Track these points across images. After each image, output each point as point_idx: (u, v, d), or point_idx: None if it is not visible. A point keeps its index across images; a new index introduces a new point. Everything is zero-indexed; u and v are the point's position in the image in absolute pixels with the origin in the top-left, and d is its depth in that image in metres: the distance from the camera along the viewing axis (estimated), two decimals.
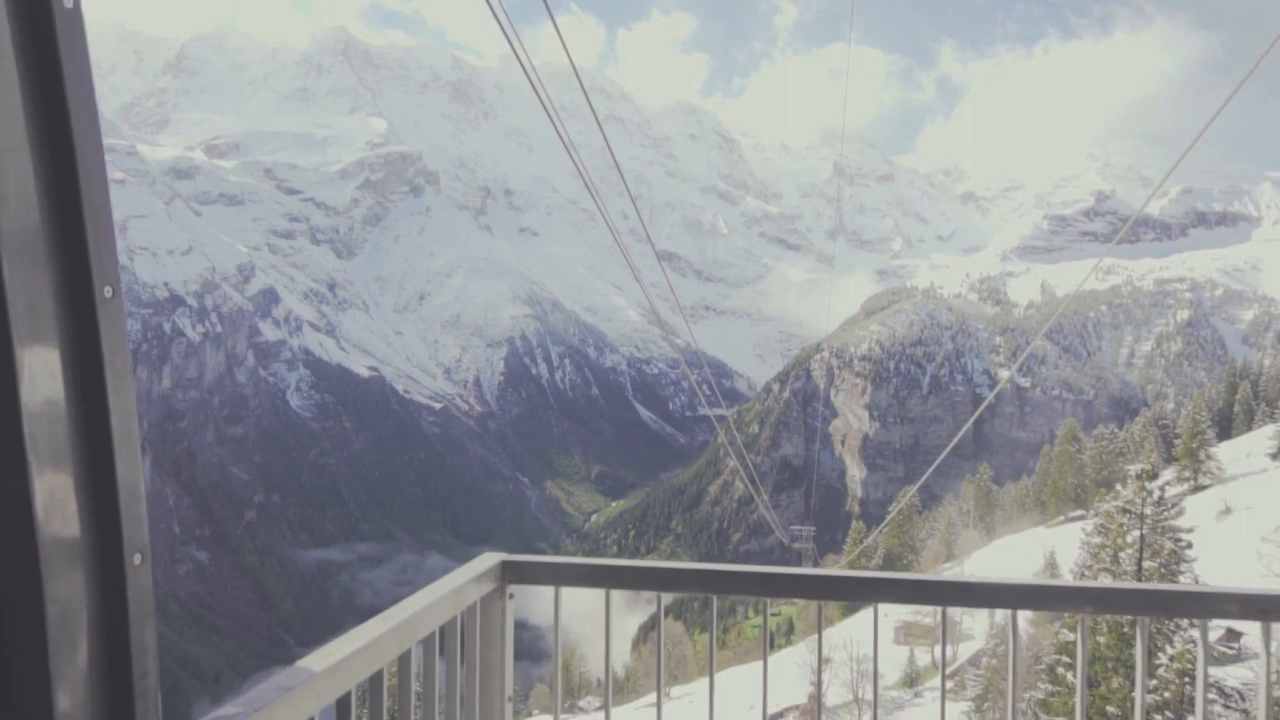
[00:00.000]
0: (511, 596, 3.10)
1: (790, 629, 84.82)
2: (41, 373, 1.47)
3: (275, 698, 1.87)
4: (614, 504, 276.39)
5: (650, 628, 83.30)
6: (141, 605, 1.65)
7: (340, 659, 2.08)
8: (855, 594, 3.37)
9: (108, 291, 1.58)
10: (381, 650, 2.25)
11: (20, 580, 1.45)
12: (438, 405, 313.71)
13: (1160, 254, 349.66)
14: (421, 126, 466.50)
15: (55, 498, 1.50)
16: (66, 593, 1.50)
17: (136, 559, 1.63)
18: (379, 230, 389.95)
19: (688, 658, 63.66)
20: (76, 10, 1.51)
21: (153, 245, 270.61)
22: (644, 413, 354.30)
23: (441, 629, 2.63)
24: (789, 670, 43.57)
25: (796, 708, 42.85)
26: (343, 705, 2.09)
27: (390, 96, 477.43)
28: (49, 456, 1.48)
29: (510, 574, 3.09)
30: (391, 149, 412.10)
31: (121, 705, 1.59)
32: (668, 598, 3.18)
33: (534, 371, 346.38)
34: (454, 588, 2.73)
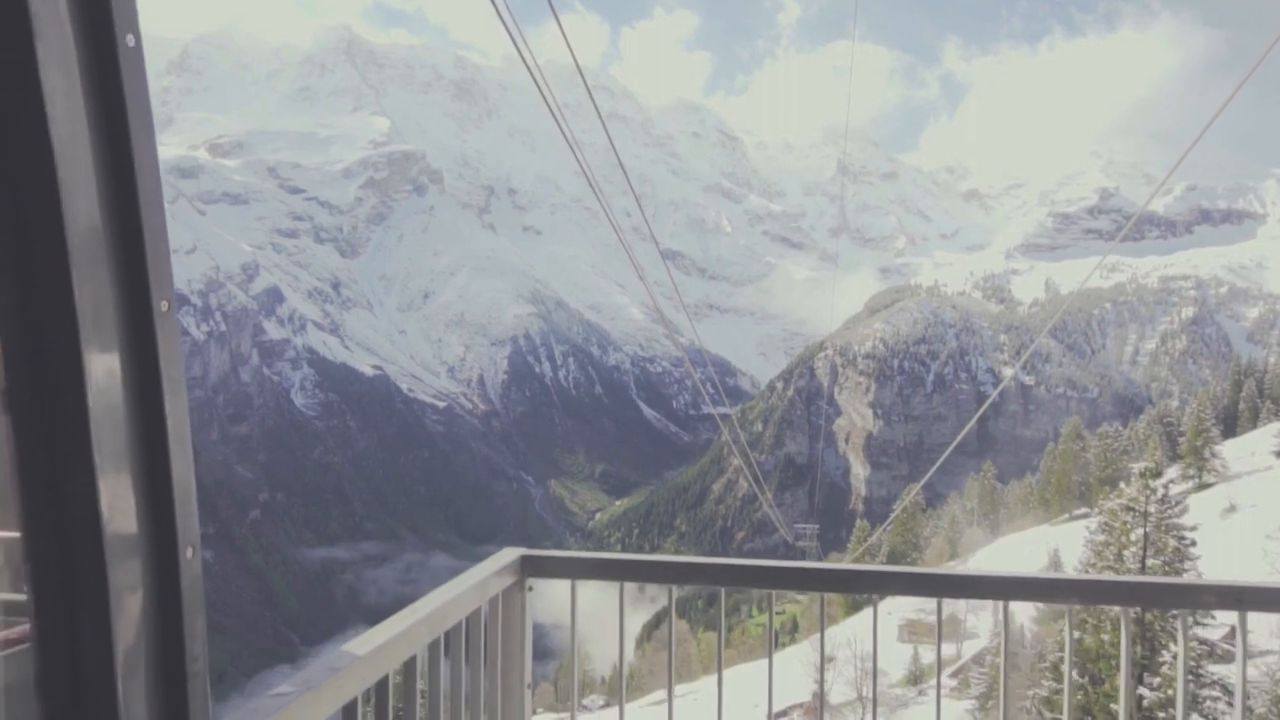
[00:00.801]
0: (530, 589, 3.25)
1: (794, 627, 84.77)
2: (104, 380, 1.63)
3: (325, 678, 2.03)
4: (618, 502, 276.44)
5: (655, 626, 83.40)
6: (193, 595, 1.80)
7: (380, 644, 2.23)
8: (856, 586, 3.53)
9: (164, 305, 1.75)
10: (415, 637, 2.40)
11: (87, 571, 1.62)
12: (442, 404, 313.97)
13: (1165, 251, 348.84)
14: (425, 125, 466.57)
15: (117, 495, 1.66)
16: (126, 582, 1.66)
17: (189, 552, 1.80)
18: (383, 229, 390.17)
19: (692, 656, 63.68)
20: (138, 48, 1.68)
21: None
22: (648, 411, 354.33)
23: (467, 619, 2.76)
24: (793, 668, 43.55)
25: (800, 706, 42.88)
26: (381, 687, 2.21)
27: (394, 95, 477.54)
28: (111, 457, 1.64)
29: (529, 568, 3.23)
30: (395, 148, 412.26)
31: (175, 686, 1.74)
32: (678, 591, 3.30)
33: (538, 370, 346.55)
34: (478, 580, 2.87)
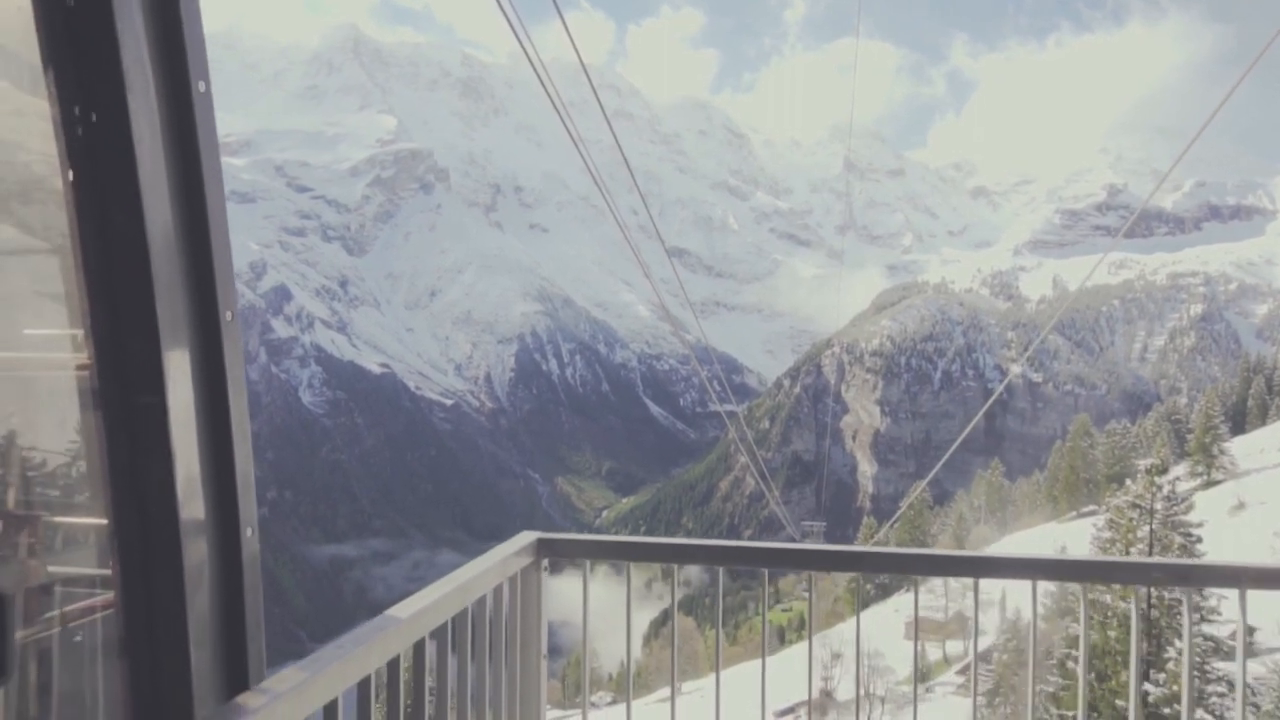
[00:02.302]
0: (546, 569, 3.49)
1: (800, 624, 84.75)
2: (179, 380, 1.97)
3: (373, 636, 2.25)
4: (625, 500, 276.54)
5: (662, 624, 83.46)
6: (252, 568, 2.15)
7: (417, 610, 2.45)
8: (838, 565, 3.76)
9: (228, 315, 2.12)
10: (447, 606, 2.63)
11: (163, 548, 1.96)
12: (449, 402, 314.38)
13: (1173, 248, 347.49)
14: (431, 124, 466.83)
15: (189, 483, 2.00)
16: (196, 559, 2.00)
17: (249, 531, 2.16)
18: (390, 227, 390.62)
19: (698, 653, 63.67)
20: (208, 94, 2.06)
21: None
22: (654, 409, 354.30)
23: (491, 592, 3.00)
24: (799, 666, 43.55)
25: (807, 703, 42.91)
26: (419, 648, 2.45)
27: (400, 94, 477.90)
28: (184, 448, 1.98)
29: (544, 549, 3.47)
30: (402, 146, 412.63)
31: (237, 648, 2.09)
32: (686, 584, 3.51)
33: (544, 368, 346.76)
34: (499, 559, 3.11)
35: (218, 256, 2.09)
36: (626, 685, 4.07)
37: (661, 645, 66.00)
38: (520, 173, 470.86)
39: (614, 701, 52.17)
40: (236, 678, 2.10)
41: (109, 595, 1.97)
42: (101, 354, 1.95)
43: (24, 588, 1.79)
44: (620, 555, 3.73)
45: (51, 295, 1.90)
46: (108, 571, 1.98)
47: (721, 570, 3.84)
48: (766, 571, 3.76)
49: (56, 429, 2.03)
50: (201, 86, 2.06)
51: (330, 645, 2.15)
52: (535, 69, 6.19)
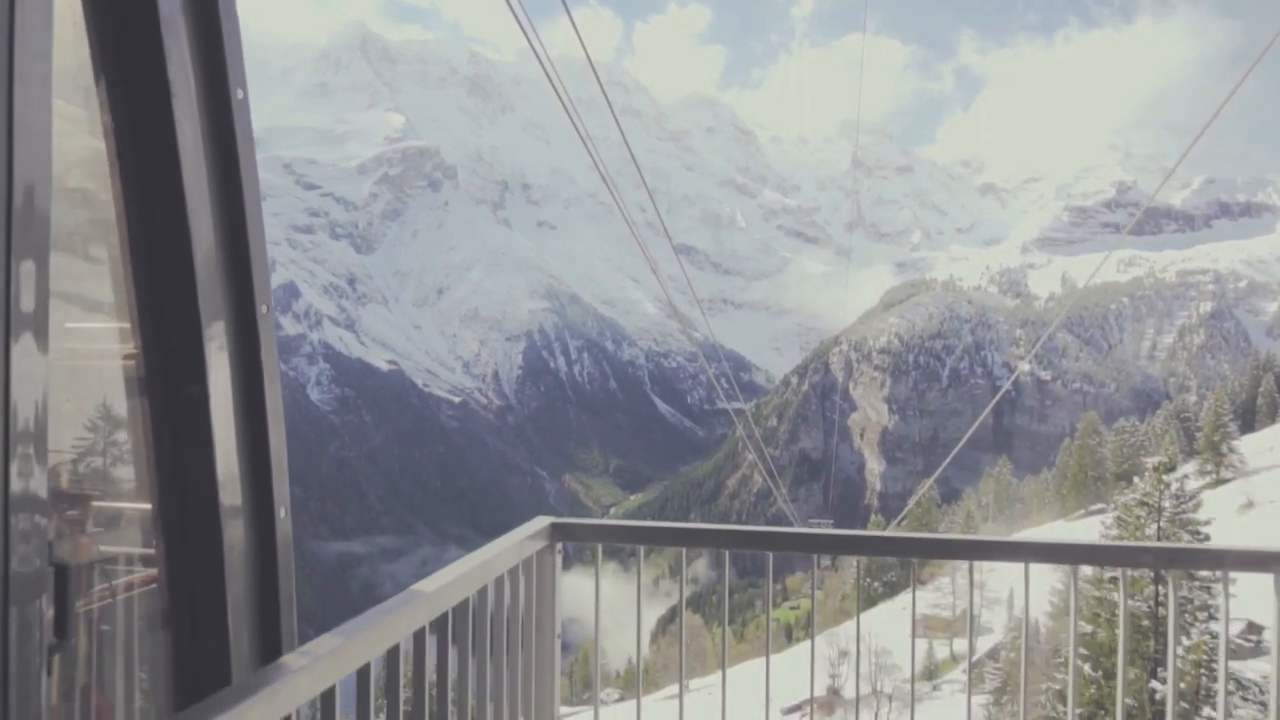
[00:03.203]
0: (559, 551, 3.61)
1: (807, 622, 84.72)
2: (219, 370, 2.10)
3: (401, 607, 2.37)
4: (632, 497, 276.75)
5: (669, 620, 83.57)
6: (285, 548, 2.30)
7: (442, 585, 2.57)
8: (842, 548, 3.93)
9: (264, 309, 2.25)
10: (469, 583, 2.75)
11: (204, 528, 2.09)
12: (456, 399, 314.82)
13: (1183, 245, 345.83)
14: (439, 121, 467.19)
15: (228, 465, 2.13)
16: (235, 536, 2.13)
17: (282, 512, 2.32)
18: (398, 225, 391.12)
19: (706, 650, 63.77)
20: (245, 100, 2.20)
21: None
22: (662, 406, 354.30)
23: (508, 572, 3.10)
24: (807, 663, 43.53)
25: (815, 700, 42.89)
26: (440, 621, 2.55)
27: (408, 91, 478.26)
28: (224, 434, 2.11)
29: (558, 533, 3.60)
30: (410, 144, 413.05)
31: (271, 622, 2.23)
32: (697, 573, 3.64)
33: (552, 365, 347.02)
34: (516, 542, 3.23)
35: (254, 253, 2.21)
36: (637, 669, 4.25)
37: (669, 642, 66.04)
38: (528, 170, 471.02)
39: (621, 698, 52.20)
40: (270, 649, 2.22)
41: (152, 572, 2.08)
42: (147, 345, 2.06)
43: (76, 562, 1.88)
44: (632, 539, 3.89)
45: (93, 290, 1.96)
46: (150, 551, 2.10)
47: (728, 555, 3.90)
48: (771, 555, 3.84)
49: (104, 416, 2.11)
50: (240, 93, 2.20)
51: (362, 616, 2.22)
52: (544, 66, 6.22)
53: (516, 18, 5.52)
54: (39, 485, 1.59)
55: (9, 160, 1.53)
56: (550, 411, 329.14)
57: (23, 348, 1.55)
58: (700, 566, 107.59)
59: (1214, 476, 66.39)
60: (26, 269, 1.56)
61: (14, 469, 1.53)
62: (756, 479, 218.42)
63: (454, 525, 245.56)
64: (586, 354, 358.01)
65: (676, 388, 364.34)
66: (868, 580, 68.28)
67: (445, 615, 2.58)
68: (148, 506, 2.10)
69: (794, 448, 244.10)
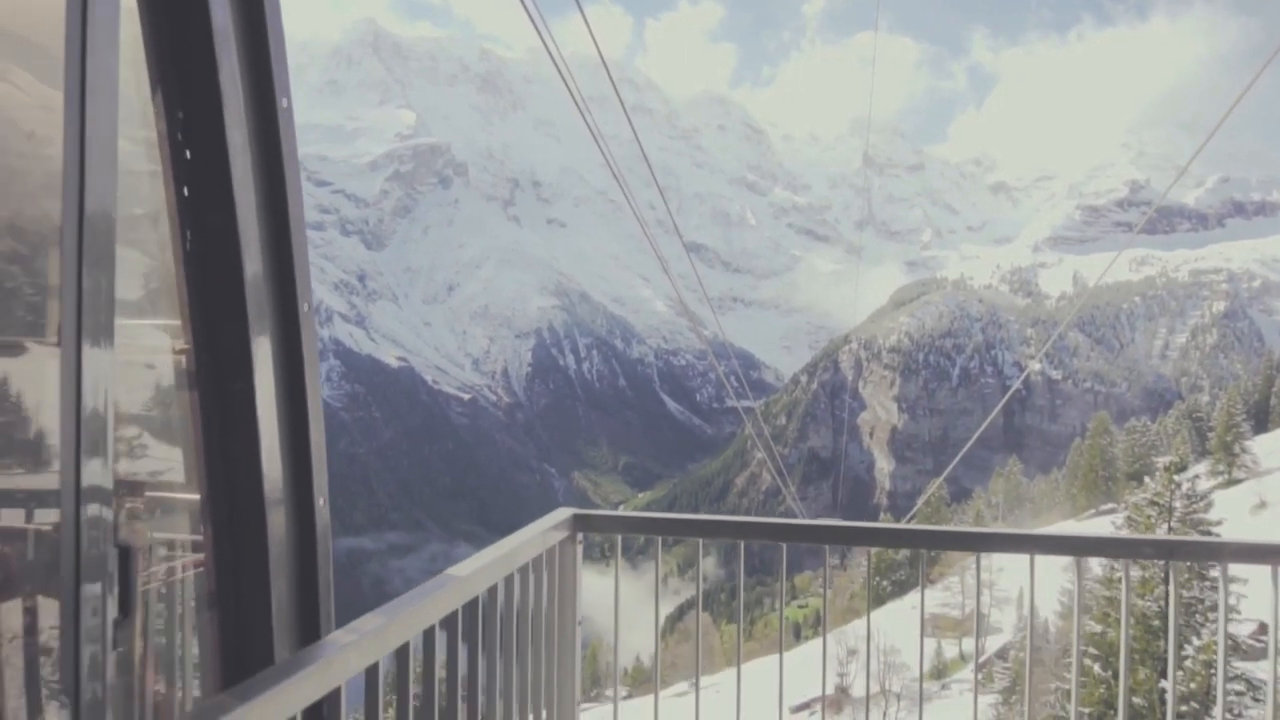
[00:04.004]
0: (580, 542, 3.72)
1: (816, 620, 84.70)
2: (264, 365, 2.23)
3: (434, 590, 2.46)
4: (641, 495, 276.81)
5: (677, 618, 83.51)
6: (324, 535, 2.42)
7: (471, 571, 2.67)
8: (854, 540, 4.03)
9: (305, 307, 2.37)
10: (496, 570, 2.84)
11: (251, 514, 2.22)
12: (466, 396, 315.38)
13: (1196, 244, 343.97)
14: (450, 118, 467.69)
15: (272, 455, 2.25)
16: (279, 523, 2.26)
17: (320, 501, 2.41)
18: (408, 222, 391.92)
19: (715, 648, 63.78)
20: (289, 108, 2.34)
21: None
22: (671, 404, 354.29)
23: (531, 562, 3.18)
24: (816, 662, 43.55)
25: (822, 699, 42.89)
26: (470, 607, 2.63)
27: (419, 88, 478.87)
28: (268, 426, 2.23)
29: (579, 524, 3.71)
30: (420, 141, 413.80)
31: (310, 601, 2.36)
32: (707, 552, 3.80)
33: (561, 362, 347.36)
34: (538, 532, 3.30)
35: (297, 255, 2.34)
36: (655, 663, 4.39)
37: (677, 640, 66.05)
38: (538, 167, 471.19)
39: (629, 695, 52.30)
40: (309, 630, 2.35)
41: (200, 556, 2.21)
42: (198, 342, 2.17)
43: (135, 546, 1.96)
44: (651, 530, 4.05)
45: (123, 289, 1.96)
46: (198, 537, 2.23)
47: (744, 547, 4.04)
48: (785, 545, 3.97)
49: (158, 408, 2.23)
50: (284, 102, 2.32)
51: (401, 598, 2.32)
52: (556, 63, 6.23)
53: (530, 15, 5.53)
54: (105, 475, 1.71)
55: (80, 175, 1.64)
56: (559, 409, 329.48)
57: (93, 349, 1.67)
58: (709, 565, 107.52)
59: (1226, 477, 66.07)
60: (95, 275, 1.67)
61: (85, 460, 1.65)
62: (765, 477, 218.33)
63: (463, 522, 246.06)
64: (596, 352, 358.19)
65: (685, 386, 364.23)
66: (876, 580, 68.19)
67: (475, 600, 2.68)
68: (196, 496, 2.20)
69: (803, 446, 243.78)
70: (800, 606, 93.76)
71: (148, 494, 2.14)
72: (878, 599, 67.36)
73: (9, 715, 1.65)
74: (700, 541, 3.98)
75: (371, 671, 2.06)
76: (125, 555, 1.80)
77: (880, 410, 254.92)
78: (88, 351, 1.66)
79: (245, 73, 2.21)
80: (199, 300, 2.16)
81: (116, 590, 1.77)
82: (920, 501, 44.82)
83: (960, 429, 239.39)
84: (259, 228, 2.23)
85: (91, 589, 1.68)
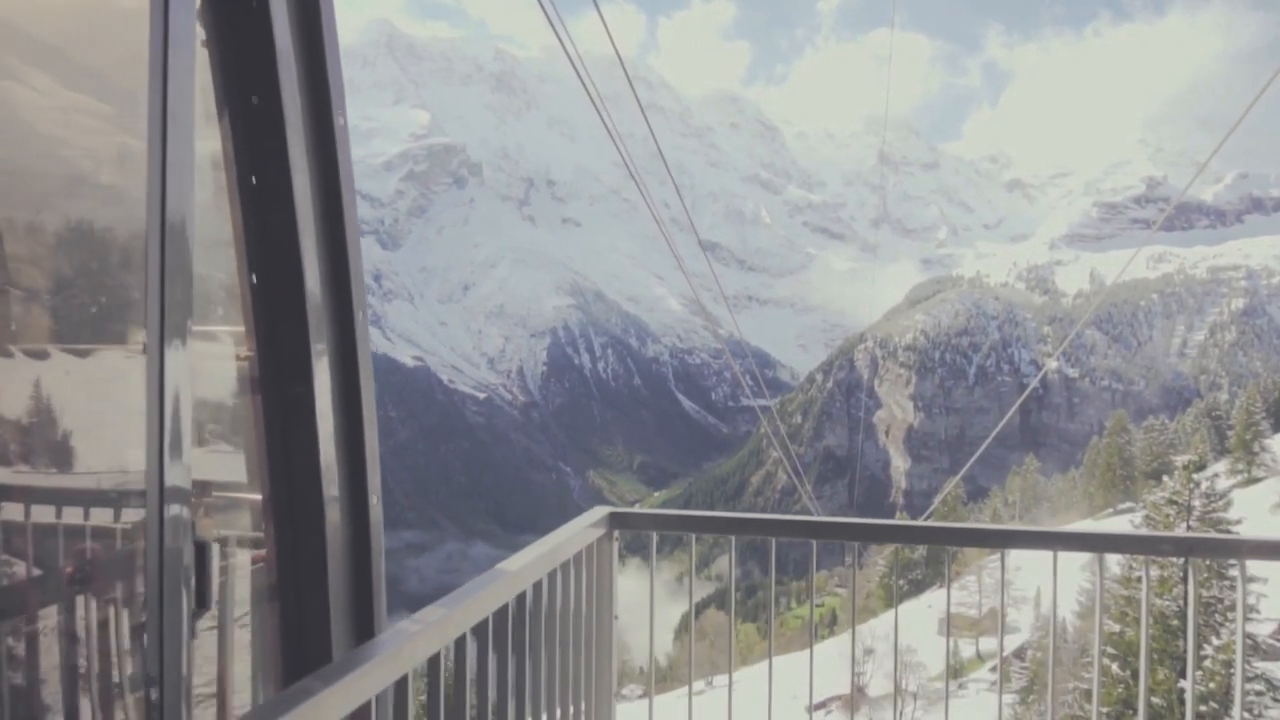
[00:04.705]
0: (616, 539, 3.84)
1: (834, 619, 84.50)
2: (322, 370, 2.35)
3: (486, 586, 2.56)
4: (656, 494, 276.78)
5: (696, 616, 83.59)
6: (376, 530, 2.55)
7: (519, 568, 2.77)
8: (880, 537, 4.17)
9: (360, 315, 2.49)
10: (539, 568, 2.95)
11: (309, 512, 2.33)
12: (482, 395, 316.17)
13: (1215, 241, 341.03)
14: (465, 118, 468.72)
15: (329, 456, 2.37)
16: (335, 523, 2.38)
17: (374, 499, 2.54)
18: (423, 221, 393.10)
19: (733, 646, 63.77)
20: (345, 126, 2.46)
21: None
22: (686, 403, 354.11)
23: (572, 559, 3.30)
24: (832, 660, 43.43)
25: (839, 698, 42.77)
26: (521, 599, 2.77)
27: (434, 88, 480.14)
28: (326, 429, 2.35)
29: (616, 521, 3.82)
30: (435, 140, 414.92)
31: (364, 595, 2.47)
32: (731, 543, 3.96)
33: (576, 361, 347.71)
34: (577, 530, 3.39)
35: (353, 266, 2.45)
36: (689, 658, 4.33)
37: (695, 639, 66.15)
38: (552, 166, 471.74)
39: (642, 695, 52.36)
40: (364, 623, 2.46)
41: (261, 552, 2.32)
42: (261, 348, 2.28)
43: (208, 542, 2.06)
44: (685, 528, 4.19)
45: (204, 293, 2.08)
46: (259, 534, 2.34)
47: (774, 543, 4.19)
48: (815, 543, 4.07)
49: (224, 411, 2.35)
50: (340, 120, 2.44)
51: (457, 591, 2.46)
52: (572, 62, 6.24)
53: (546, 14, 5.55)
54: (185, 475, 1.82)
55: (162, 191, 1.75)
56: (574, 408, 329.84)
57: (174, 355, 1.77)
58: (724, 564, 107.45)
59: (1245, 475, 65.55)
60: (175, 285, 1.77)
61: (167, 461, 1.75)
62: (781, 476, 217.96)
63: (479, 520, 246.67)
64: (611, 350, 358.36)
65: (700, 384, 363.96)
66: (892, 578, 67.98)
67: (524, 595, 2.79)
68: (257, 496, 2.31)
69: (819, 445, 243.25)
70: (817, 605, 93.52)
71: (214, 493, 2.22)
72: (895, 595, 67.18)
73: (101, 699, 1.78)
74: (733, 539, 4.10)
75: (434, 661, 2.16)
76: (201, 551, 1.92)
77: (896, 409, 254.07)
78: (169, 359, 1.76)
79: (304, 92, 2.32)
80: (262, 308, 2.26)
81: (194, 584, 1.88)
82: (937, 500, 44.71)
83: (977, 427, 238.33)
84: (317, 240, 2.33)
85: (172, 583, 1.78)
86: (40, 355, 1.67)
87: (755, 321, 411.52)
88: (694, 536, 4.14)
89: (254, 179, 2.24)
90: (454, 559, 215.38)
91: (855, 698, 40.44)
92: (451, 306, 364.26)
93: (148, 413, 1.74)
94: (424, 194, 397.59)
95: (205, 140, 2.07)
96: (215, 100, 2.15)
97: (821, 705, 40.61)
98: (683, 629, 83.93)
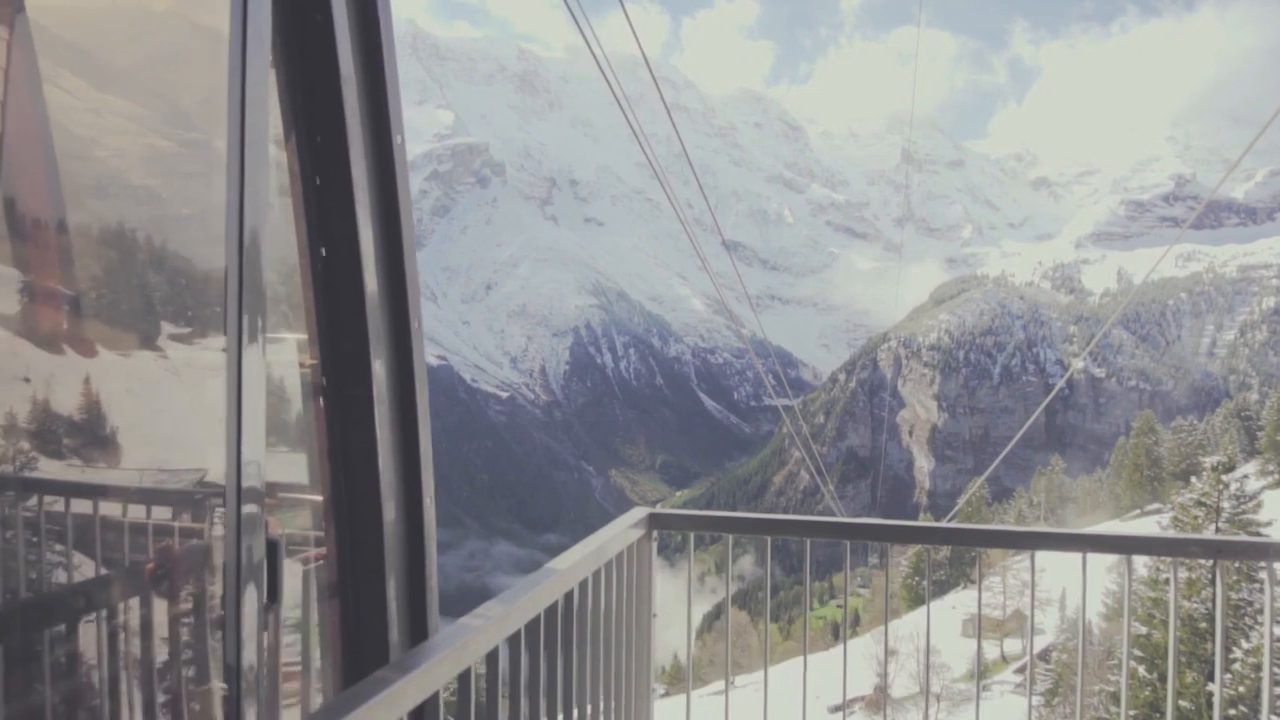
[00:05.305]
0: (654, 539, 3.94)
1: (856, 620, 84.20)
2: (380, 378, 2.47)
3: (542, 582, 2.62)
4: (678, 493, 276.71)
5: (715, 617, 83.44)
6: (430, 530, 2.65)
7: (567, 566, 2.85)
8: (913, 538, 4.35)
9: (415, 324, 2.62)
10: (584, 567, 3.03)
11: (366, 512, 2.44)
12: (504, 394, 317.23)
13: (1245, 239, 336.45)
14: (488, 118, 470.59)
15: (387, 460, 2.48)
16: (392, 522, 2.49)
17: (427, 500, 2.65)
18: (446, 221, 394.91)
19: (753, 647, 63.61)
20: (403, 144, 2.60)
21: None
22: (708, 402, 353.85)
23: (614, 558, 3.39)
24: (855, 661, 43.26)
25: (862, 698, 42.63)
26: (569, 596, 2.84)
27: (457, 88, 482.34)
28: (384, 430, 2.48)
29: (655, 522, 3.93)
30: (459, 140, 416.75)
31: (418, 590, 2.57)
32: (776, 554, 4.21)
33: (599, 361, 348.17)
34: (618, 531, 3.48)
35: (409, 278, 2.60)
36: (726, 657, 4.42)
37: (715, 639, 65.96)
38: (575, 166, 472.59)
39: (667, 694, 52.33)
40: (418, 618, 2.57)
41: (321, 550, 2.41)
42: (324, 355, 2.39)
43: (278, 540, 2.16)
44: (721, 528, 4.30)
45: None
46: (319, 533, 2.44)
47: (811, 543, 4.26)
48: (848, 544, 4.14)
49: (290, 415, 2.43)
50: (399, 139, 2.56)
51: (512, 589, 2.53)
52: (598, 62, 6.26)
53: (572, 13, 5.58)
54: (260, 477, 1.93)
55: (240, 213, 1.86)
56: (597, 407, 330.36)
57: (251, 365, 1.88)
58: (745, 564, 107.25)
59: (1276, 477, 64.65)
60: (252, 298, 1.88)
61: (244, 463, 1.86)
62: (803, 476, 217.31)
63: (501, 519, 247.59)
64: (633, 350, 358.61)
65: (723, 384, 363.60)
66: (915, 580, 67.73)
67: (571, 591, 2.87)
68: (318, 496, 2.41)
69: (841, 445, 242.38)
70: (838, 605, 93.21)
71: (280, 494, 2.32)
72: (918, 599, 66.92)
73: (182, 688, 1.89)
74: (769, 540, 4.22)
75: (492, 656, 2.25)
76: (273, 549, 2.02)
77: (920, 409, 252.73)
78: (246, 368, 1.86)
79: (366, 114, 2.44)
80: (326, 318, 2.37)
81: (265, 579, 1.98)
82: (961, 501, 44.49)
83: (1001, 427, 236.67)
84: (376, 254, 2.45)
85: (247, 579, 1.89)
86: (122, 357, 1.74)
87: (778, 321, 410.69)
88: (730, 537, 4.20)
89: (319, 197, 2.34)
90: (476, 557, 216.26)
91: (882, 699, 40.29)
92: (474, 306, 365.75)
93: (226, 417, 1.83)
94: (447, 194, 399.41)
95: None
96: (282, 122, 2.25)
97: (844, 706, 40.44)
98: (705, 628, 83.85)
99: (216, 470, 1.86)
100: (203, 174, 2.07)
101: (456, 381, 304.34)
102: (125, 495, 1.78)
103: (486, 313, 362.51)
